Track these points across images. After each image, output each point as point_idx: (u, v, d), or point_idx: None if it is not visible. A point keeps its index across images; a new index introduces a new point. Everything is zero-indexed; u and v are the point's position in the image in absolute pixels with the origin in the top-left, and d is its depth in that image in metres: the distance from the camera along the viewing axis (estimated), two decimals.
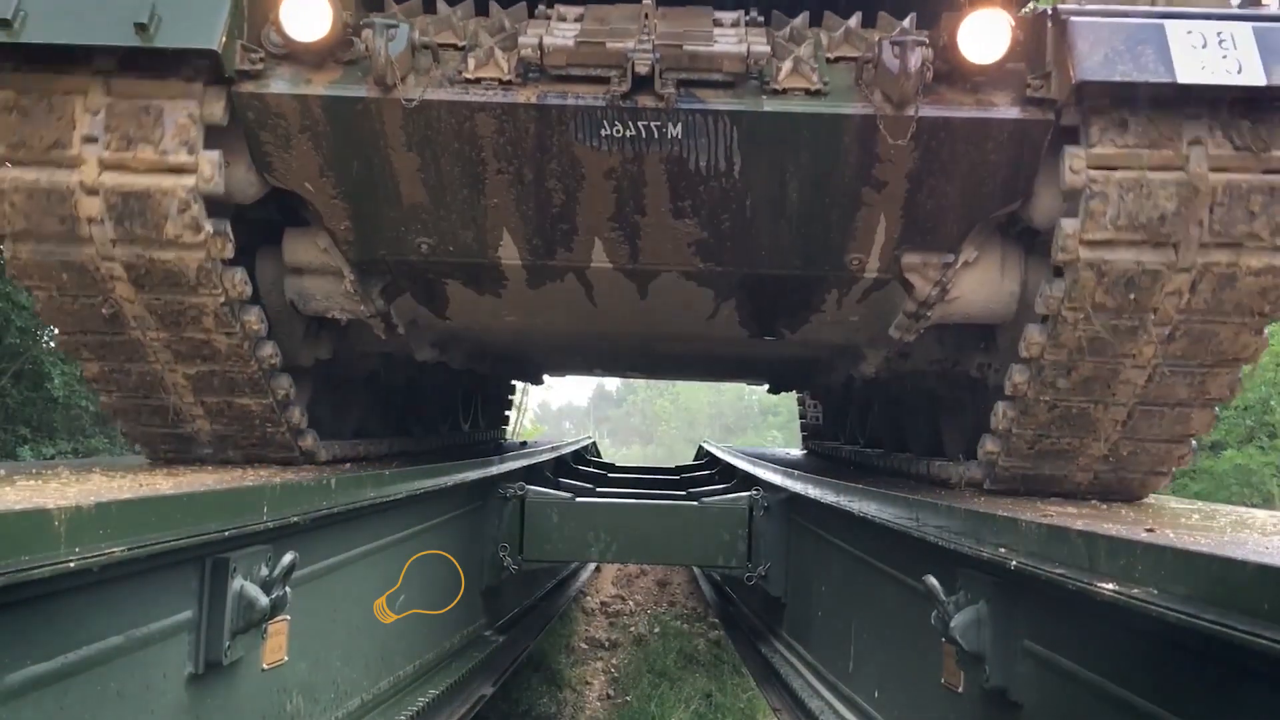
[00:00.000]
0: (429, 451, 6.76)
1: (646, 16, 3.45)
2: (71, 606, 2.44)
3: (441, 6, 3.78)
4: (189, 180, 3.47)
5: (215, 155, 3.50)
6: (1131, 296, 3.54)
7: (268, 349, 4.01)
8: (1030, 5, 4.18)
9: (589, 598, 11.14)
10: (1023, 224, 3.92)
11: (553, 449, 10.02)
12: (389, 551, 4.72)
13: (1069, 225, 3.47)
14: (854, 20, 3.65)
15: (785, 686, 6.09)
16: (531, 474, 7.42)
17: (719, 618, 9.71)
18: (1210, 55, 3.26)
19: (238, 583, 3.10)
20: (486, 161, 3.64)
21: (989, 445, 4.17)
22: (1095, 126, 3.40)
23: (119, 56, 3.38)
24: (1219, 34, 3.28)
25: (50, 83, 3.41)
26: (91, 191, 3.44)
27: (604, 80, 3.42)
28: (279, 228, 4.22)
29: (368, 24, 3.42)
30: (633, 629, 10.40)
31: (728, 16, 3.72)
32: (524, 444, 10.77)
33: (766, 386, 10.94)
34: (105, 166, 3.43)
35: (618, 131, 3.48)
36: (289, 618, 3.49)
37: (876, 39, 3.43)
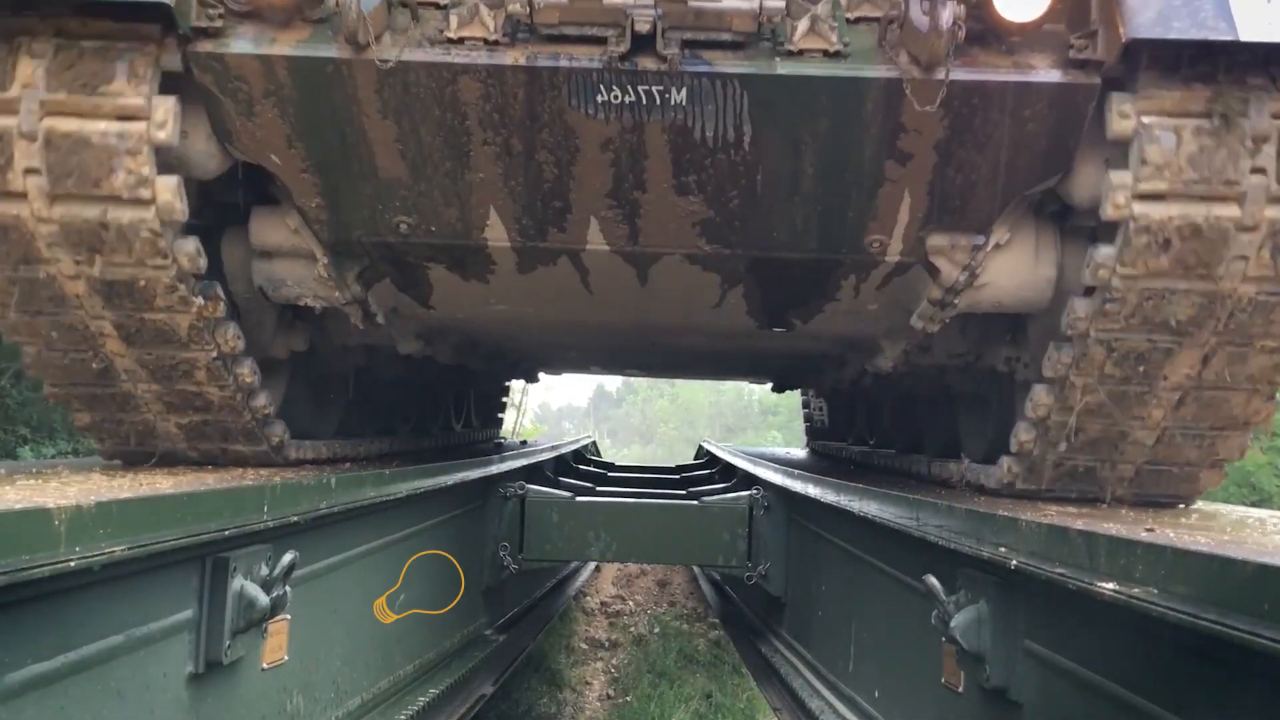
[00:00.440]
0: (417, 452, 6.45)
1: None
2: (71, 606, 2.44)
3: None
4: (139, 127, 3.11)
5: (171, 102, 3.14)
6: (1194, 258, 3.13)
7: (229, 331, 3.62)
8: None
9: (589, 598, 11.14)
10: (1057, 204, 3.66)
11: (553, 448, 10.02)
12: (389, 551, 4.73)
13: (1119, 177, 3.11)
14: None
15: (785, 686, 6.10)
16: (531, 473, 7.42)
17: (719, 617, 9.72)
18: (1277, 10, 2.92)
19: (238, 582, 3.10)
20: (471, 131, 3.30)
21: (1022, 435, 3.77)
22: (1146, 74, 3.07)
23: (71, 6, 3.09)
24: None
25: None
26: (28, 138, 3.09)
27: (600, 40, 3.09)
28: (250, 209, 3.91)
29: None
30: (633, 629, 10.40)
31: None
32: (524, 443, 10.77)
33: (770, 385, 10.48)
34: (47, 112, 3.08)
35: (615, 97, 3.16)
36: (289, 617, 3.49)
37: None
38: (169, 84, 3.20)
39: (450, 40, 3.16)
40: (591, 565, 11.43)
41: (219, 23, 3.15)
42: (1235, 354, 3.39)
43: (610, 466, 11.80)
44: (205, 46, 3.15)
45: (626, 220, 3.60)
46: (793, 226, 3.58)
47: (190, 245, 3.36)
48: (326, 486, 3.75)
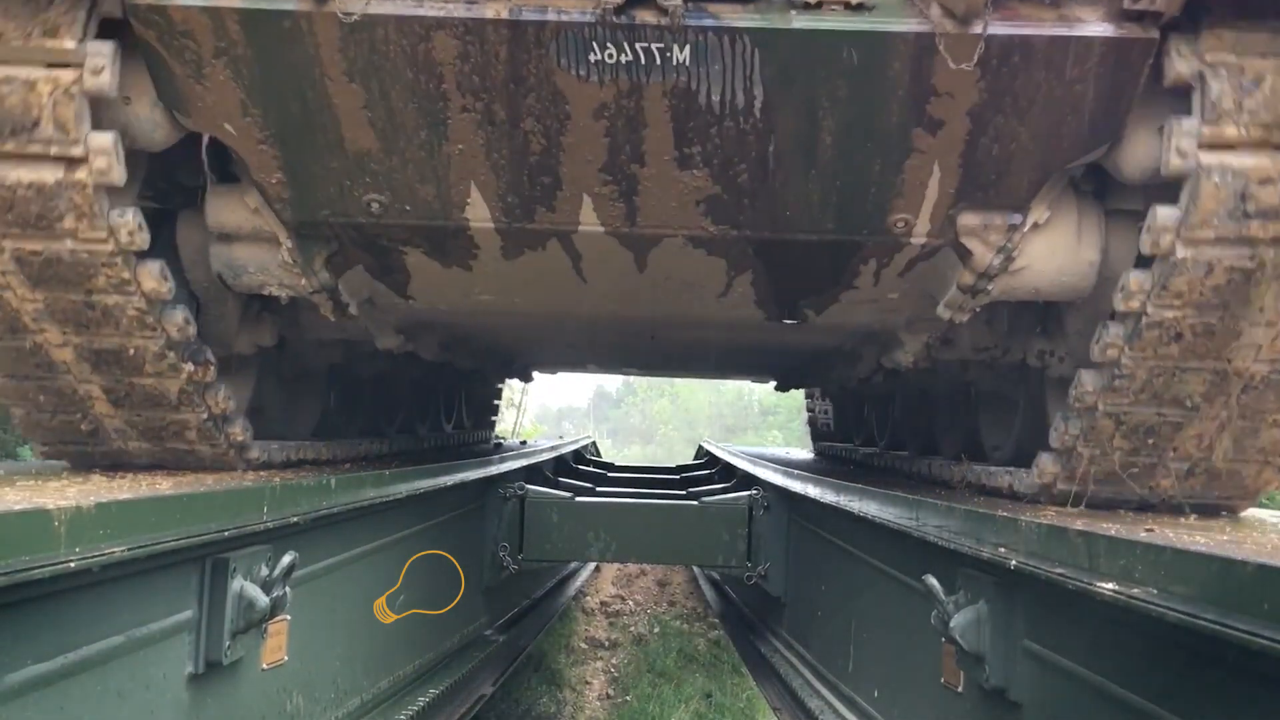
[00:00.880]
0: (404, 454, 6.15)
1: None
2: (71, 606, 2.44)
3: None
4: (68, 75, 2.79)
5: (108, 48, 2.81)
6: (1273, 213, 2.80)
7: (177, 316, 3.27)
8: None
9: (589, 597, 11.14)
10: (1093, 183, 3.37)
11: (552, 448, 10.03)
12: (389, 551, 4.73)
13: (1182, 125, 2.77)
14: None
15: (785, 685, 6.10)
16: (531, 474, 7.43)
17: (719, 617, 9.72)
18: None
19: (238, 583, 3.10)
20: (448, 96, 2.95)
21: (1064, 429, 3.40)
22: (1210, 20, 2.77)
23: None
24: None
25: None
26: None
27: None
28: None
29: None
30: (633, 629, 10.41)
31: None
32: (524, 443, 10.77)
33: (773, 385, 9.96)
34: None
35: (610, 57, 2.82)
36: (289, 618, 3.49)
37: None
38: (109, 36, 2.87)
39: None
40: (591, 565, 11.43)
41: None
42: None
43: (610, 467, 11.81)
44: None
45: (623, 198, 3.25)
46: (808, 204, 3.24)
47: (130, 217, 3.02)
48: (326, 487, 3.75)
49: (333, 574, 4.06)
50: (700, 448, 14.09)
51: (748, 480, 7.71)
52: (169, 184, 3.56)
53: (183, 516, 2.76)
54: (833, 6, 2.78)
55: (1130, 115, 2.93)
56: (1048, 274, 3.41)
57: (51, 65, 2.80)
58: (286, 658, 3.55)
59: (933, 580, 3.38)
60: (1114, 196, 3.38)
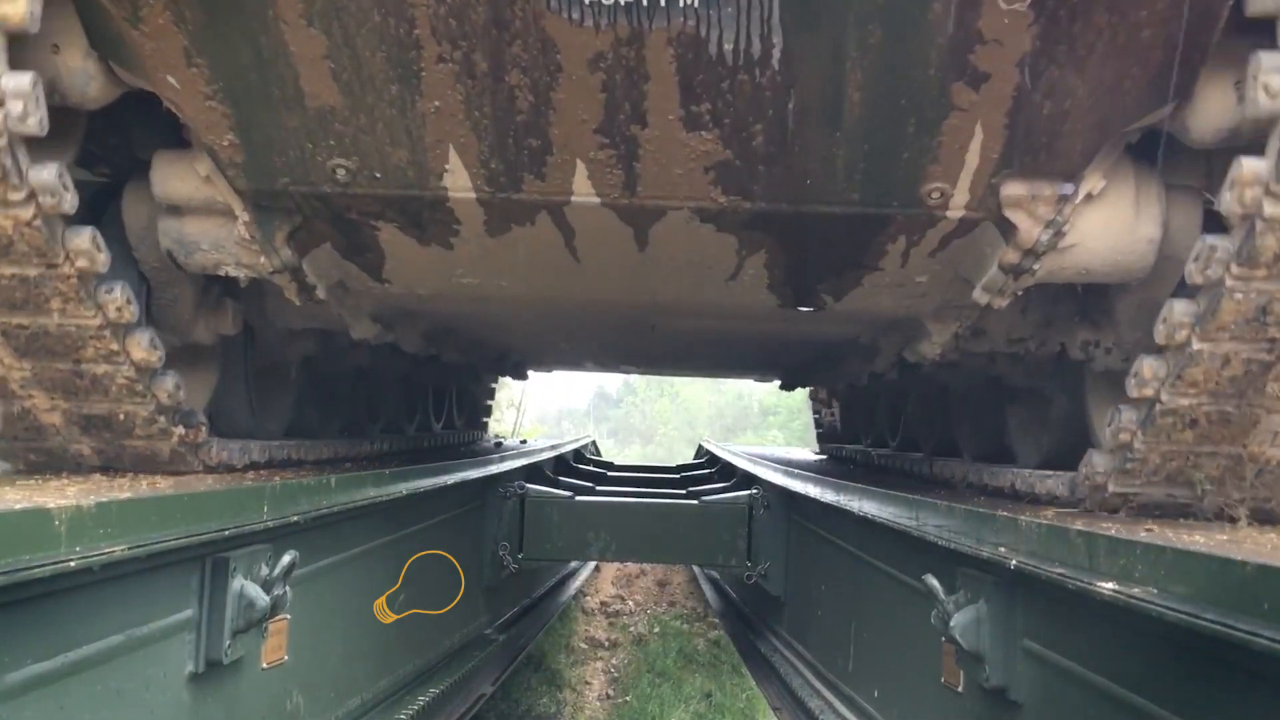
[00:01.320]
0: (387, 455, 5.85)
1: None
2: (71, 606, 2.44)
3: None
4: None
5: None
6: None
7: (115, 294, 2.89)
8: None
9: (589, 598, 11.15)
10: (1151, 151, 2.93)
11: (552, 448, 10.03)
12: (389, 551, 4.73)
13: (1271, 59, 2.35)
14: None
15: (785, 685, 6.10)
16: (531, 473, 7.43)
17: (719, 616, 9.73)
18: None
19: (238, 582, 3.10)
20: (421, 43, 2.55)
21: (1121, 422, 2.97)
22: None
23: None
24: None
25: None
26: None
27: None
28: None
29: None
30: (632, 629, 10.41)
31: None
32: (523, 443, 10.78)
33: (778, 383, 9.31)
34: None
35: None
36: (289, 617, 3.49)
37: None
38: None
39: None
40: (591, 565, 11.44)
41: None
42: None
43: (610, 466, 11.82)
44: None
45: (621, 164, 2.85)
46: (831, 172, 2.83)
47: (55, 175, 2.58)
48: (326, 487, 3.75)
49: (333, 574, 4.06)
50: (700, 447, 14.09)
51: (747, 480, 7.71)
52: (120, 155, 3.26)
53: (183, 516, 2.76)
54: None
55: (1202, 69, 2.53)
56: (1101, 252, 3.00)
57: None
58: (286, 657, 3.55)
59: (933, 580, 3.38)
60: (1174, 167, 2.99)
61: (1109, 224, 2.97)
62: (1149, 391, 2.84)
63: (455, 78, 2.62)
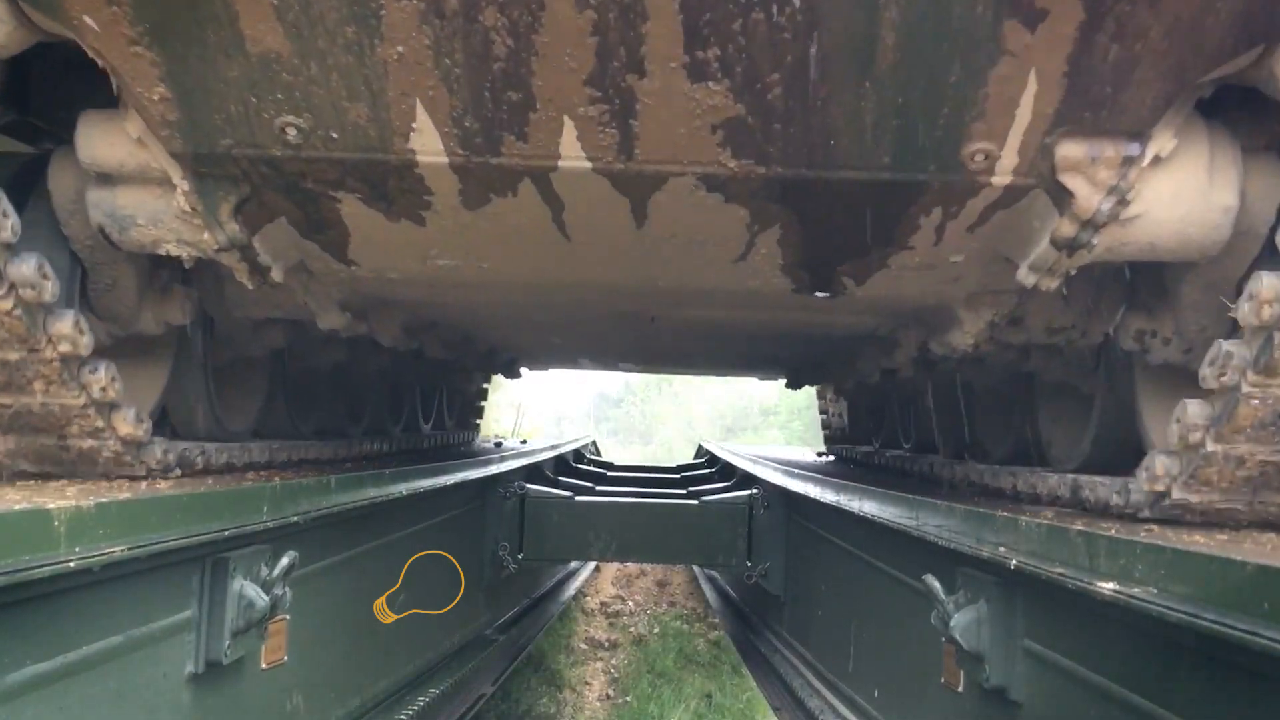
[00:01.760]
0: (369, 457, 5.55)
1: None
2: (71, 606, 2.44)
3: None
4: None
5: None
6: None
7: (27, 268, 2.57)
8: None
9: (589, 598, 11.15)
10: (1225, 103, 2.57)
11: (552, 448, 10.04)
12: (389, 551, 4.73)
13: None
14: None
15: (785, 685, 6.11)
16: (531, 473, 7.43)
17: (719, 615, 9.73)
18: None
19: (238, 582, 3.11)
20: None
21: (1190, 417, 2.60)
22: None
23: None
24: None
25: None
26: None
27: None
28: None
29: None
30: (632, 629, 10.42)
31: None
32: (523, 443, 10.78)
33: (784, 382, 8.79)
34: None
35: None
36: (289, 617, 3.49)
37: None
38: None
39: None
40: (591, 565, 11.44)
41: None
42: None
43: (610, 466, 11.83)
44: None
45: (616, 122, 2.45)
46: (859, 131, 2.44)
47: None
48: (326, 487, 3.75)
49: (333, 574, 4.06)
50: (700, 447, 14.10)
51: (747, 480, 7.72)
52: (46, 119, 2.94)
53: (183, 516, 2.76)
54: None
55: None
56: (1169, 224, 2.58)
57: None
58: (286, 658, 3.55)
59: (933, 580, 3.38)
60: (1253, 127, 2.64)
61: (1179, 191, 2.56)
62: (1230, 380, 2.48)
63: (421, 17, 2.25)
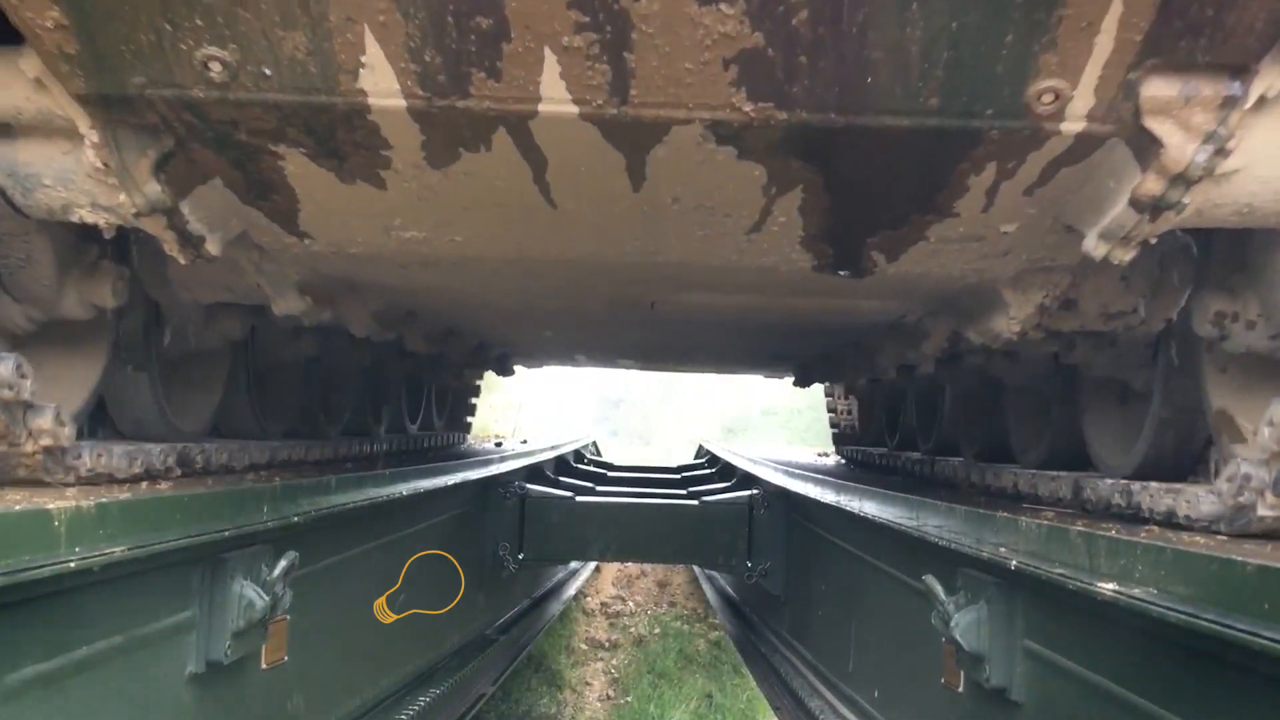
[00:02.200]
0: (348, 459, 5.17)
1: None
2: (71, 606, 2.44)
3: None
4: None
5: None
6: None
7: None
8: None
9: (589, 598, 11.15)
10: None
11: (552, 448, 10.04)
12: (389, 551, 4.73)
13: None
14: None
15: (785, 685, 6.11)
16: (532, 473, 7.43)
17: (719, 616, 9.73)
18: None
19: (238, 583, 3.10)
20: None
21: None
22: None
23: None
24: None
25: None
26: None
27: None
28: None
29: None
30: (633, 630, 10.42)
31: None
32: (524, 443, 10.78)
33: (791, 380, 8.16)
34: None
35: None
36: (289, 617, 3.49)
37: None
38: None
39: None
40: (591, 566, 11.44)
41: None
42: None
43: (610, 466, 11.83)
44: None
45: (608, 55, 2.01)
46: (903, 67, 2.01)
47: None
48: (326, 487, 3.75)
49: (333, 574, 4.06)
50: (700, 447, 14.10)
51: (747, 480, 7.71)
52: None
53: (183, 516, 2.76)
54: None
55: None
56: (1274, 181, 2.19)
57: None
58: (287, 658, 3.55)
59: (933, 580, 3.38)
60: None
61: None
62: None
63: None
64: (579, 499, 6.84)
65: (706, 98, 2.08)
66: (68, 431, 2.71)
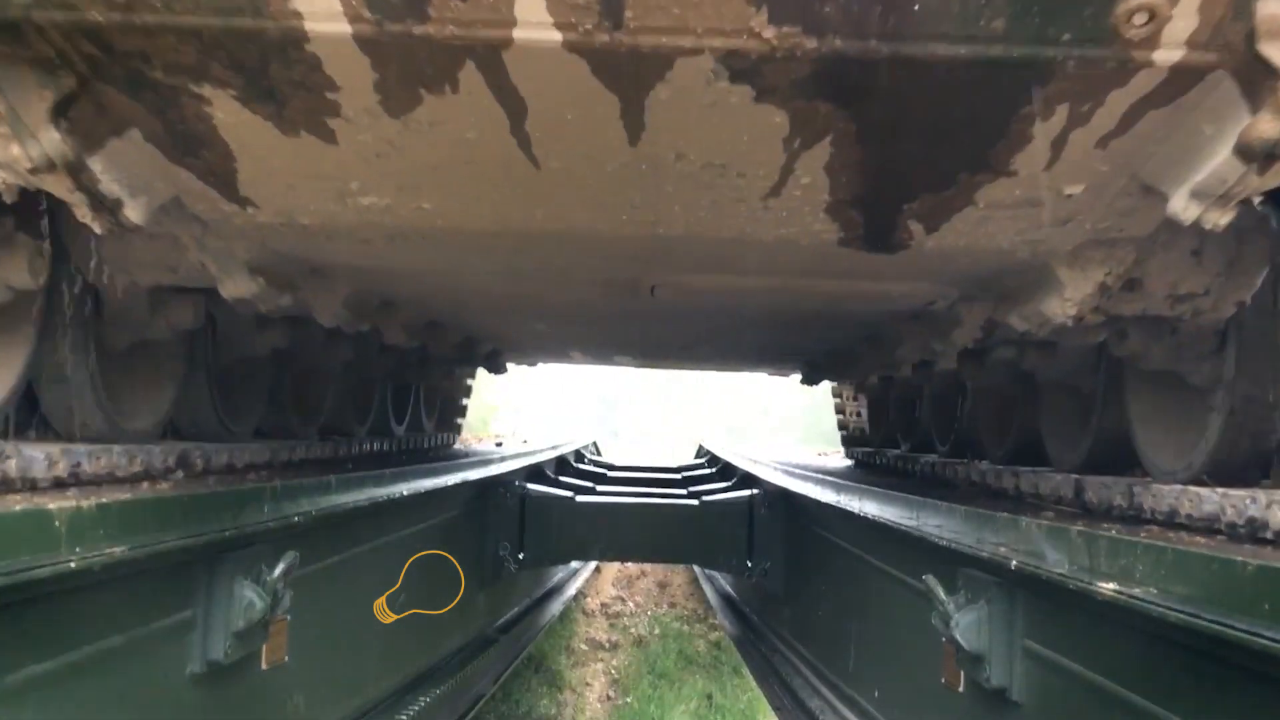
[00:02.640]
0: (323, 462, 4.86)
1: None
2: (72, 607, 2.44)
3: None
4: None
5: None
6: None
7: None
8: None
9: (589, 599, 11.15)
10: None
11: (553, 448, 10.04)
12: (389, 551, 4.73)
13: None
14: None
15: (785, 685, 6.11)
16: (532, 473, 7.43)
17: (719, 616, 9.73)
18: None
19: (238, 583, 3.10)
20: None
21: None
22: None
23: None
24: None
25: None
26: None
27: None
28: None
29: None
30: (633, 630, 10.41)
31: None
32: (524, 443, 10.78)
33: (798, 378, 7.69)
34: None
35: None
36: (289, 617, 3.49)
37: None
38: None
39: None
40: (591, 566, 11.44)
41: None
42: None
43: (610, 466, 11.82)
44: None
45: None
46: None
47: None
48: (327, 486, 3.75)
49: (333, 574, 4.06)
50: (700, 447, 14.10)
51: (747, 480, 7.71)
52: None
53: (183, 516, 2.76)
54: None
55: None
56: None
57: None
58: (287, 658, 3.55)
59: (933, 580, 3.38)
60: None
61: None
62: None
63: None
64: (579, 499, 6.84)
65: (719, 20, 1.66)
66: None
